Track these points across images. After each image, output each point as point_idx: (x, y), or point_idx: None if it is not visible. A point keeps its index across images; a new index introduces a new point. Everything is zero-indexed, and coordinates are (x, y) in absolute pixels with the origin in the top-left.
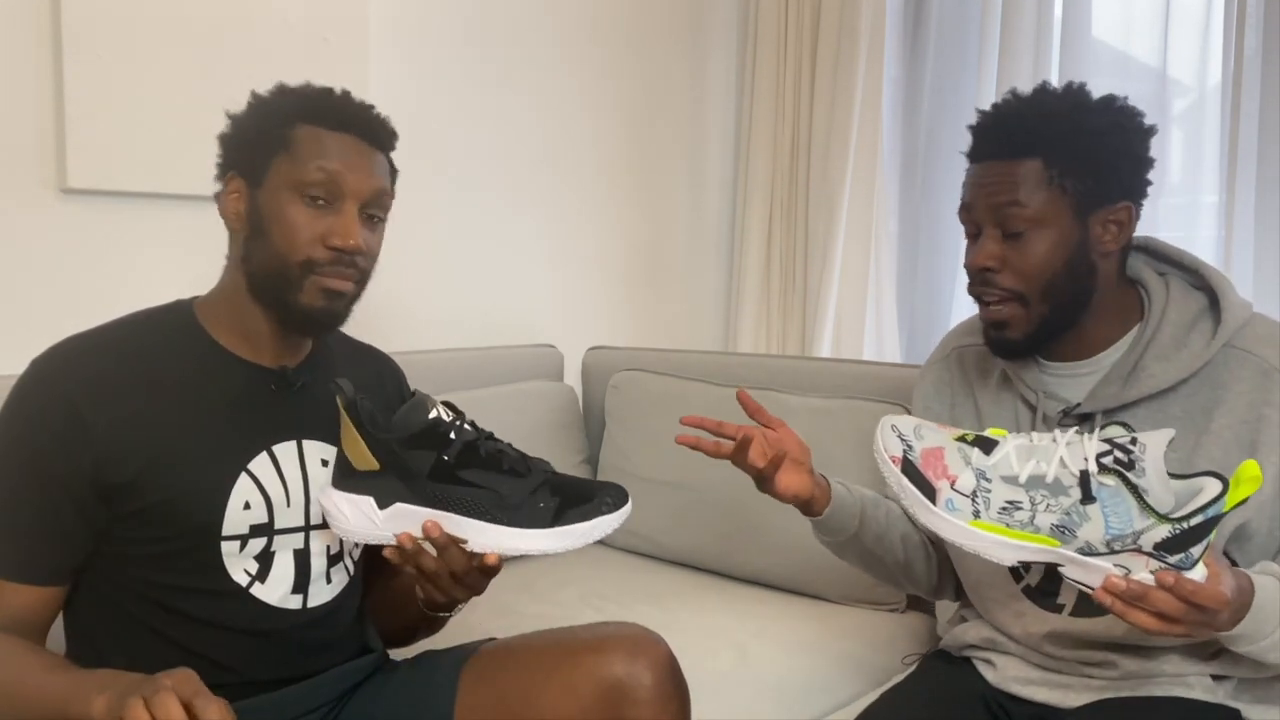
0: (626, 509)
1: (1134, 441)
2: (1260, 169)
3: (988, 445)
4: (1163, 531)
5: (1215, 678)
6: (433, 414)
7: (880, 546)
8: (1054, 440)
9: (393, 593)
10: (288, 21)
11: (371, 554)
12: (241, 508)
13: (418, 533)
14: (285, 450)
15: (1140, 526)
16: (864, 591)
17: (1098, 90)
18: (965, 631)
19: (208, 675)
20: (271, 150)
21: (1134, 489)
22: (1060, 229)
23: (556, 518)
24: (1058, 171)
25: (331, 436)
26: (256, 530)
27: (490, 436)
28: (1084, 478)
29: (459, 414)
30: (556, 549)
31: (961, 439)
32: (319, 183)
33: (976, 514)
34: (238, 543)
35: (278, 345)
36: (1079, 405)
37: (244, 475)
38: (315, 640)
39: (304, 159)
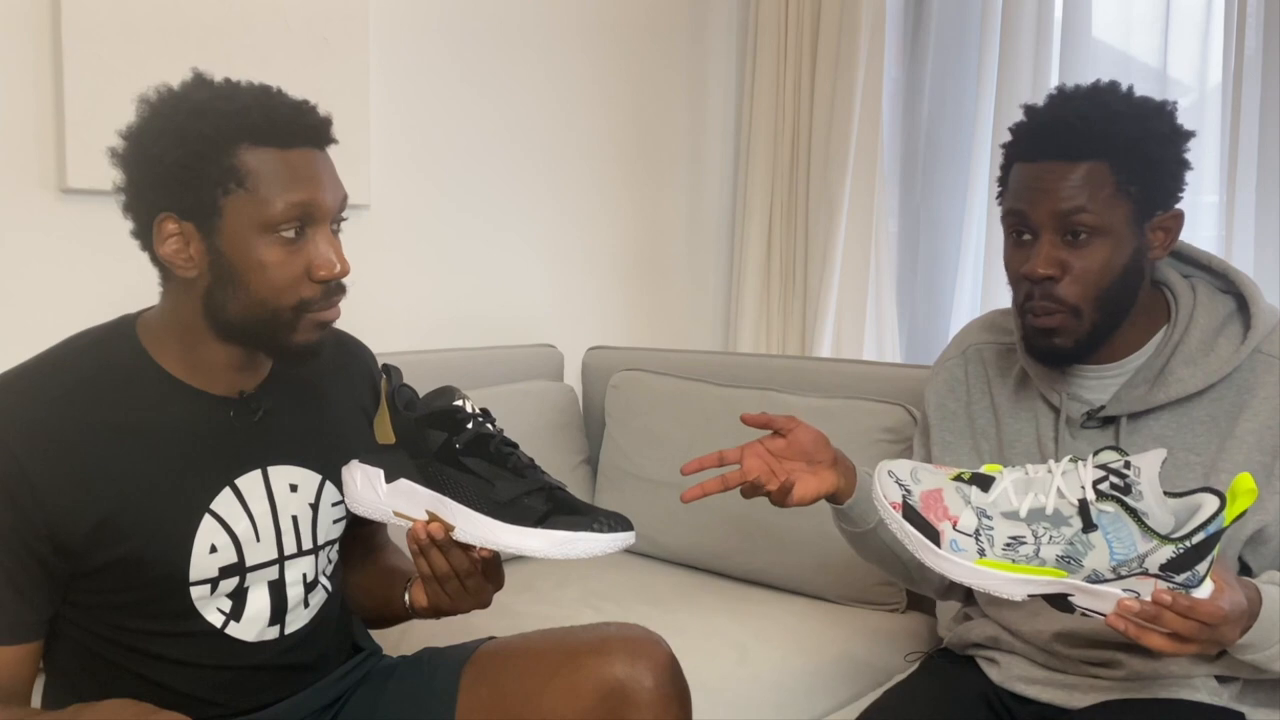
0: (622, 537)
1: (1128, 465)
2: (1260, 169)
3: (985, 482)
4: (1167, 552)
5: (1220, 680)
6: (457, 402)
7: (898, 542)
8: (1049, 471)
9: (371, 583)
10: (288, 22)
11: (348, 544)
12: (207, 552)
13: (415, 514)
14: (249, 482)
15: (1144, 550)
16: (864, 591)
17: None
18: (970, 630)
19: (191, 711)
20: (219, 186)
21: (1134, 513)
22: (1121, 235)
23: (541, 520)
24: (1124, 178)
25: (300, 458)
26: (226, 571)
27: (511, 444)
28: (1083, 506)
29: (488, 416)
30: (532, 549)
31: (958, 478)
32: (291, 218)
33: (982, 553)
34: (207, 586)
35: (235, 373)
36: (1103, 408)
37: (207, 517)
38: (300, 661)
39: (267, 194)
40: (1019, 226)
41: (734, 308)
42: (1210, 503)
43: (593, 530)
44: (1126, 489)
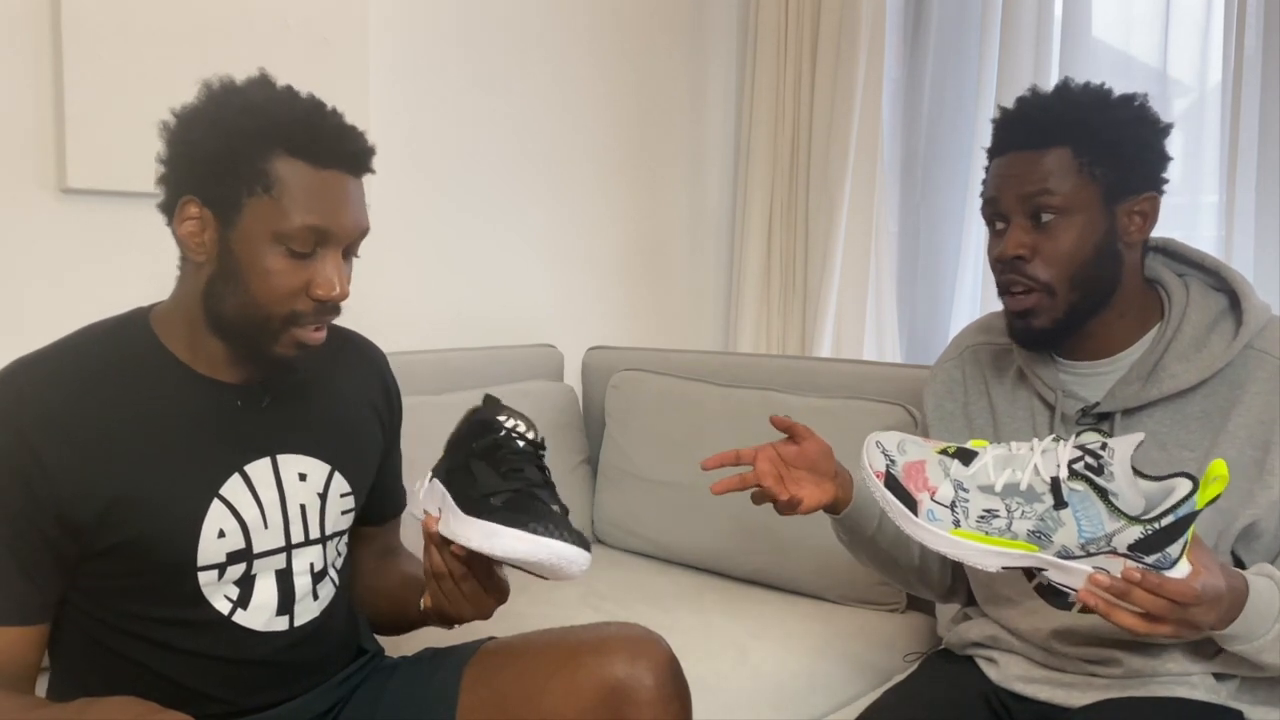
0: (556, 547)
1: (1104, 447)
2: (1260, 169)
3: (967, 456)
4: (1135, 533)
5: (1218, 677)
6: (500, 416)
7: (896, 548)
8: (1031, 449)
9: (390, 586)
10: (287, 22)
11: (362, 547)
12: (216, 536)
13: (433, 510)
14: (259, 469)
15: (1111, 529)
16: (864, 591)
17: None
18: (969, 629)
19: (198, 707)
20: (246, 185)
21: (1102, 493)
22: (1089, 216)
23: (488, 514)
24: (1086, 160)
25: (310, 447)
26: (234, 557)
27: (525, 460)
28: (1055, 484)
29: (522, 435)
30: (465, 537)
31: (943, 451)
32: (305, 239)
33: (956, 523)
34: (215, 571)
35: (241, 363)
36: (1098, 404)
37: (216, 502)
38: (306, 658)
39: (288, 208)
40: (992, 215)
41: (734, 308)
42: (1183, 487)
43: (523, 529)
44: (1099, 470)
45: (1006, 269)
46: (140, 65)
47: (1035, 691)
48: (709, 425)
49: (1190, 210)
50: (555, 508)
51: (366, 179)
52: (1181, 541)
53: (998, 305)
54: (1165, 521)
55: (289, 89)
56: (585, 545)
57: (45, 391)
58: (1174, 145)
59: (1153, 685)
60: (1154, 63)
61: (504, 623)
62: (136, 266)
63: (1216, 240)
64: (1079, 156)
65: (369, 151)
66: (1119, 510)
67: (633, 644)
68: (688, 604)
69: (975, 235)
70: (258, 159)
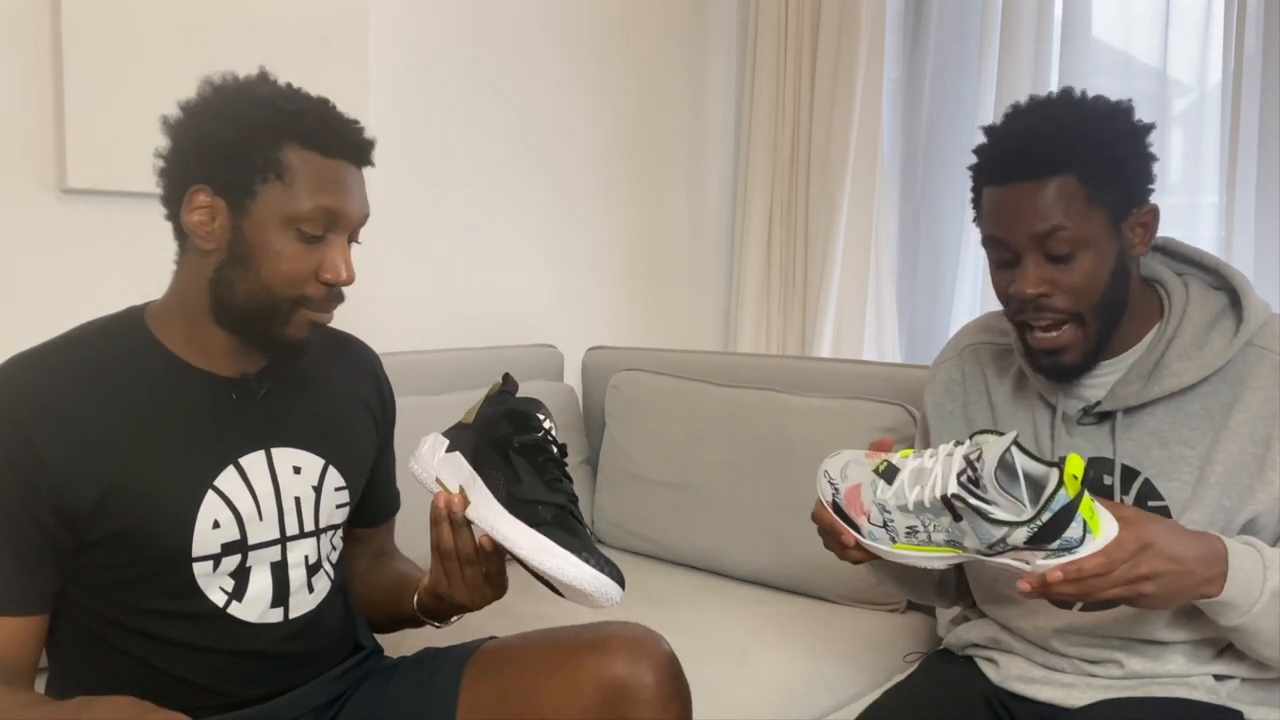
0: (602, 580)
1: (980, 457)
2: (1260, 169)
3: (891, 474)
4: (1023, 533)
5: (1218, 678)
6: (540, 415)
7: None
8: (934, 457)
9: (384, 583)
10: (287, 23)
11: (357, 548)
12: (210, 527)
13: (451, 486)
14: (253, 461)
15: (1000, 534)
16: (864, 591)
17: (1095, 90)
18: (969, 630)
19: (195, 699)
20: (259, 174)
21: (977, 510)
22: (1102, 242)
23: (538, 525)
24: (1094, 186)
25: (304, 441)
26: (229, 548)
27: (562, 468)
28: (946, 502)
29: (558, 443)
30: (515, 544)
31: (876, 470)
32: (317, 220)
33: (893, 539)
34: (210, 563)
35: (237, 356)
36: (1099, 404)
37: (210, 493)
38: (301, 651)
39: (301, 193)
40: (1000, 251)
41: (734, 308)
42: (1052, 479)
43: (577, 555)
44: (976, 481)
45: (1027, 306)
46: (140, 65)
47: (1035, 692)
48: (709, 425)
49: (1190, 210)
50: (589, 531)
51: (368, 178)
52: (1078, 524)
53: (997, 305)
54: (1044, 519)
55: (289, 86)
56: (622, 581)
57: (41, 384)
58: (1174, 145)
59: (1152, 686)
60: (1154, 63)
61: (504, 622)
62: (136, 266)
63: (1216, 240)
64: (1086, 185)
65: (371, 144)
66: (996, 520)
67: (633, 644)
68: (688, 604)
69: (975, 235)
70: (270, 149)
